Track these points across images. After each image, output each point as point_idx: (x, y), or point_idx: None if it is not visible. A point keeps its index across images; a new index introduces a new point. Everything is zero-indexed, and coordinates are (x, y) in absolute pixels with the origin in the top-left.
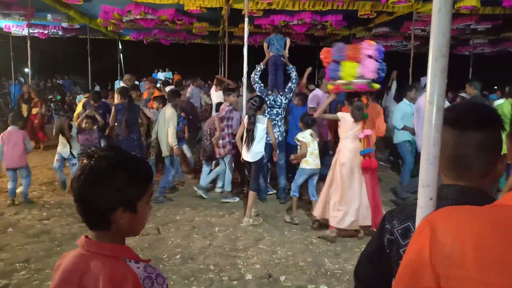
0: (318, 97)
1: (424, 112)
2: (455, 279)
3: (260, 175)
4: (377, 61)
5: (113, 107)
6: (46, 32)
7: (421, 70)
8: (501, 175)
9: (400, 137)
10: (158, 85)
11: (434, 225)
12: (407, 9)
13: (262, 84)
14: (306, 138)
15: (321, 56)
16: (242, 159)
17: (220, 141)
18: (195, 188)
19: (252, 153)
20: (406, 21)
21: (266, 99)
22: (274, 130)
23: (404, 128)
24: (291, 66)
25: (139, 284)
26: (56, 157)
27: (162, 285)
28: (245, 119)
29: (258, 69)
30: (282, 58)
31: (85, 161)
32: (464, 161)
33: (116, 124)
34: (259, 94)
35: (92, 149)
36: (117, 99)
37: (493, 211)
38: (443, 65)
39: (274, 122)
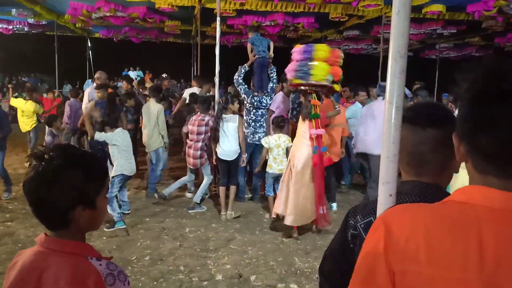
0: (279, 100)
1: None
2: (408, 274)
3: (239, 173)
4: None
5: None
6: (10, 27)
7: None
8: (457, 171)
9: None
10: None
11: (388, 222)
12: (377, 13)
13: (246, 86)
14: (269, 143)
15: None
16: (215, 158)
17: (198, 152)
18: (192, 212)
19: (229, 152)
20: (376, 24)
21: (253, 100)
22: (259, 131)
23: None
24: (273, 66)
25: (101, 281)
26: None
27: (124, 282)
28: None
29: (242, 71)
30: (268, 59)
31: (34, 162)
32: (423, 157)
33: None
34: (245, 95)
35: (41, 150)
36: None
37: (443, 207)
38: (402, 66)
39: (259, 123)
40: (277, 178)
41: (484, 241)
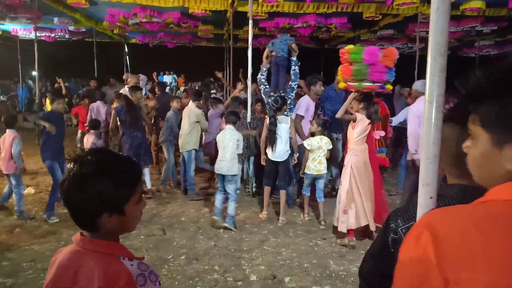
0: (307, 104)
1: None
2: (465, 282)
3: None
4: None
5: (113, 110)
6: (53, 35)
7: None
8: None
9: None
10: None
11: (433, 227)
12: (412, 11)
13: (267, 86)
14: (311, 145)
15: (340, 54)
16: (266, 159)
17: None
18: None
19: (280, 153)
20: (411, 23)
21: (270, 101)
22: None
23: None
24: (295, 59)
25: (133, 281)
26: None
27: (155, 282)
28: (267, 120)
29: (264, 69)
30: (287, 55)
31: (71, 165)
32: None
33: (119, 124)
34: (264, 95)
35: (78, 153)
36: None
37: (489, 207)
38: (441, 64)
39: None
40: (316, 179)
41: None
